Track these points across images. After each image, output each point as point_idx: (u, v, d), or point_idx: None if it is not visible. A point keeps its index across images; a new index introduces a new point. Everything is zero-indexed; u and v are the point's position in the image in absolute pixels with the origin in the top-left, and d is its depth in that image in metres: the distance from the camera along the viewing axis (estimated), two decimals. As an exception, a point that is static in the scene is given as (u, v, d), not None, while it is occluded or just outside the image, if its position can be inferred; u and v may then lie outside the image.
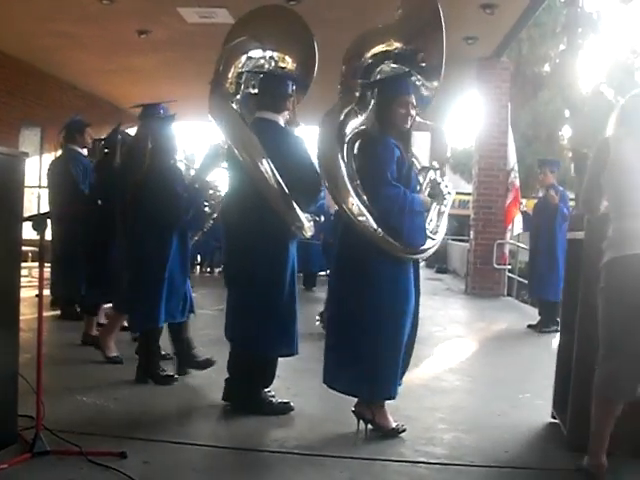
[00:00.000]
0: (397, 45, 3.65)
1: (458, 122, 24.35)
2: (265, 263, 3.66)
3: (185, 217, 4.24)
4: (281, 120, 3.79)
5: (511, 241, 10.80)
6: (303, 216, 3.67)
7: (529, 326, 7.47)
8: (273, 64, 4.13)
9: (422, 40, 3.60)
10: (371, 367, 3.40)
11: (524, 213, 8.86)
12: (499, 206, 10.48)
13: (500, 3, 7.72)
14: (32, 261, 8.45)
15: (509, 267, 10.83)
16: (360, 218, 3.33)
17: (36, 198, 11.32)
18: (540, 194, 7.87)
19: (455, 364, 5.48)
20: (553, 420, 3.80)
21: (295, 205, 3.62)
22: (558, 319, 7.48)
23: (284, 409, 3.82)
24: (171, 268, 4.31)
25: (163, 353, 4.99)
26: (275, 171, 3.56)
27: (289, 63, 4.13)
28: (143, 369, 4.40)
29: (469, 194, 12.12)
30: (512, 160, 10.55)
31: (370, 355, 3.39)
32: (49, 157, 12.71)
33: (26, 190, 3.07)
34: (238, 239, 3.77)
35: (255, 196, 3.60)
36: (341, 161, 3.43)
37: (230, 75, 3.96)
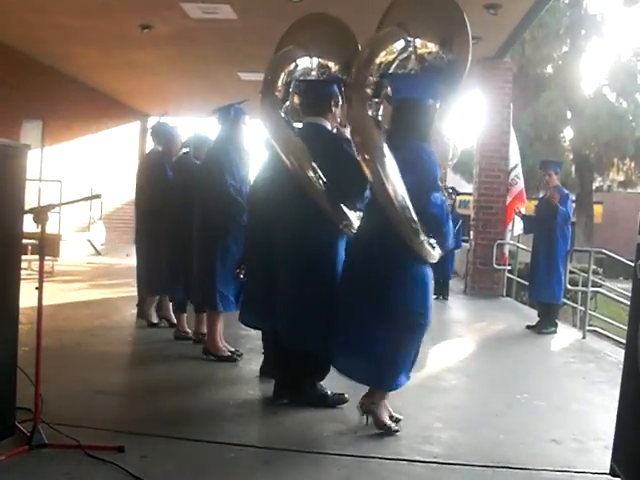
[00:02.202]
0: (429, 48, 3.72)
1: (460, 122, 24.28)
2: (314, 262, 3.78)
3: None
4: (327, 122, 3.89)
5: (511, 242, 10.80)
6: (352, 214, 3.79)
7: (528, 327, 7.48)
8: (319, 70, 4.26)
9: (454, 48, 3.72)
10: (389, 359, 3.46)
11: (523, 216, 8.83)
12: (499, 206, 10.48)
13: (504, 3, 7.72)
14: (32, 254, 8.47)
15: (509, 268, 10.83)
16: (413, 225, 3.39)
17: (37, 191, 11.32)
18: (541, 195, 7.87)
19: (453, 364, 5.49)
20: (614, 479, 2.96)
21: (342, 205, 3.75)
22: (557, 320, 7.53)
23: (339, 401, 3.89)
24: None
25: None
26: (320, 174, 3.71)
27: (334, 68, 4.25)
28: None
29: (469, 194, 12.12)
30: (513, 160, 10.53)
31: (391, 349, 3.45)
32: (50, 150, 12.75)
33: (27, 183, 3.06)
34: (287, 241, 3.89)
35: (303, 198, 3.74)
36: (393, 162, 3.43)
37: (279, 83, 4.09)
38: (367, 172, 3.46)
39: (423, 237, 3.41)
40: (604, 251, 8.02)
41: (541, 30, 18.84)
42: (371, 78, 3.54)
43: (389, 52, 3.65)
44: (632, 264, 2.90)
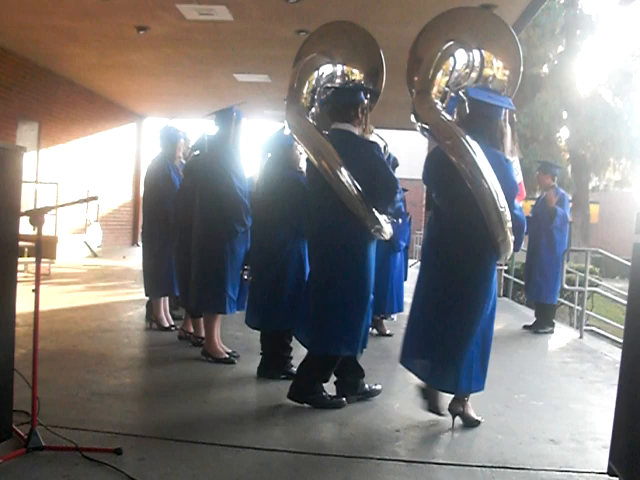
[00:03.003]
0: (494, 70, 3.89)
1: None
2: (345, 267, 3.79)
3: None
4: (354, 129, 3.91)
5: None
6: (382, 219, 3.81)
7: (525, 327, 7.49)
8: (343, 77, 4.30)
9: (516, 76, 3.93)
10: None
11: None
12: (496, 207, 10.47)
13: (499, 3, 7.72)
14: (28, 256, 8.46)
15: (505, 268, 10.84)
16: (506, 223, 3.48)
17: (33, 193, 11.29)
18: (537, 195, 7.87)
19: (451, 364, 5.48)
20: (612, 478, 2.98)
21: (373, 209, 3.77)
22: (554, 320, 7.55)
23: (337, 403, 3.92)
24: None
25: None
26: (352, 177, 3.72)
27: (358, 75, 4.30)
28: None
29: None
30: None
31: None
32: (47, 152, 12.72)
33: (23, 185, 3.04)
34: (318, 245, 3.91)
35: (334, 202, 3.75)
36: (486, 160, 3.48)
37: (304, 91, 4.14)
38: (461, 170, 3.45)
39: (511, 236, 3.50)
40: (601, 251, 8.03)
41: (537, 30, 18.89)
42: (436, 87, 3.63)
43: (446, 69, 3.74)
44: (629, 263, 2.90)
